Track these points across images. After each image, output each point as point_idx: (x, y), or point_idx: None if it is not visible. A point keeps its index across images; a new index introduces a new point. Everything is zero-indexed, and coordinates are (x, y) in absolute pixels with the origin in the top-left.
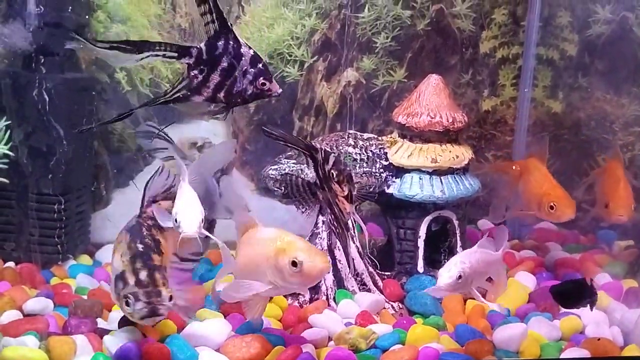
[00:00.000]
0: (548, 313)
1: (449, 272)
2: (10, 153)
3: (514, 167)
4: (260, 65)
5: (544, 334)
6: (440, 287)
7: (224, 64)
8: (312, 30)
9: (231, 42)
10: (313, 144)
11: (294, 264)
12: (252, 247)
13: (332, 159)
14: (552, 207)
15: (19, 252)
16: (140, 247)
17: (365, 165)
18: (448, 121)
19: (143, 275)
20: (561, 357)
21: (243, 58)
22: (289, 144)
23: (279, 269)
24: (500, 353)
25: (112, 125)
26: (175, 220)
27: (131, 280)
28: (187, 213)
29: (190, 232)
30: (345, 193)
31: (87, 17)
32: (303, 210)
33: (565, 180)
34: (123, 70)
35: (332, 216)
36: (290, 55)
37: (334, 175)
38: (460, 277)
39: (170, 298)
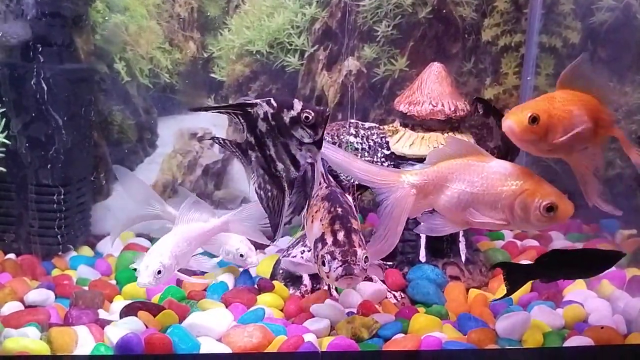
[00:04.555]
0: (551, 301)
1: (146, 269)
2: (7, 141)
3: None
4: None
5: (547, 323)
6: (145, 285)
7: None
8: (312, 19)
9: None
10: (248, 100)
11: (549, 208)
12: (483, 178)
13: (297, 104)
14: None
15: (19, 244)
16: (339, 210)
17: (366, 154)
18: (450, 109)
19: (340, 235)
20: (564, 345)
21: None
22: (221, 111)
23: (524, 209)
24: (503, 342)
25: (112, 116)
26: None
27: (329, 240)
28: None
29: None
30: (319, 137)
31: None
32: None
33: (568, 170)
34: (122, 61)
35: (268, 176)
36: (291, 45)
37: (308, 118)
38: (160, 272)
39: (366, 260)
